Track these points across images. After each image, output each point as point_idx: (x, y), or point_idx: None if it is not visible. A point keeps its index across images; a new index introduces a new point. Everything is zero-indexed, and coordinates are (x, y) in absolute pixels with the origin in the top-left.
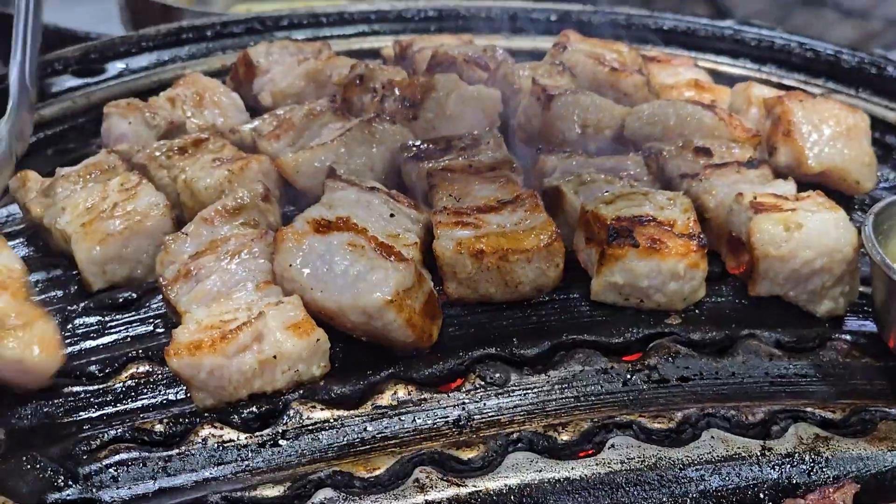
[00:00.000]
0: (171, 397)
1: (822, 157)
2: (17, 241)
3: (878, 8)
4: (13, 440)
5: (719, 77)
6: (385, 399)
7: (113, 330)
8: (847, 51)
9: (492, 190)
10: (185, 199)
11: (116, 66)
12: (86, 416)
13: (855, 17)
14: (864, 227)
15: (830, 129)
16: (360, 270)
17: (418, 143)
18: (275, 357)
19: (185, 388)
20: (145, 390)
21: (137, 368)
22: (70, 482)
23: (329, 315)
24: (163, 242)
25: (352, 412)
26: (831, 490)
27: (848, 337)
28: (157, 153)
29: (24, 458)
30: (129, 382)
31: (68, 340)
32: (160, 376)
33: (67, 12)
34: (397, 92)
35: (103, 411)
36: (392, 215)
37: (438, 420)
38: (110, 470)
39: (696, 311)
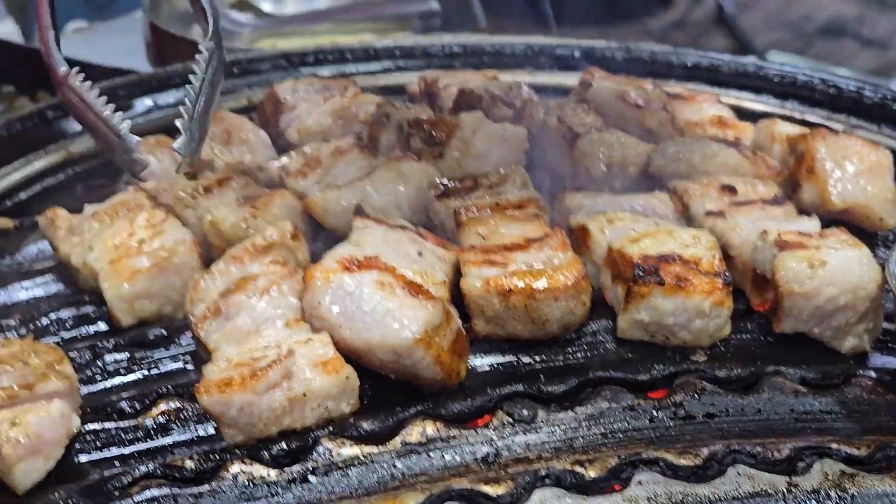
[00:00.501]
0: (202, 433)
1: (846, 194)
2: (47, 277)
3: None
4: (45, 476)
5: (742, 113)
6: (414, 436)
7: (143, 367)
8: (869, 87)
9: (519, 228)
10: (211, 238)
11: (145, 103)
12: (117, 452)
13: (875, 47)
14: (888, 264)
15: (854, 166)
16: (389, 309)
17: (445, 181)
18: (304, 395)
19: (215, 424)
20: (175, 427)
21: (168, 405)
22: None
23: (358, 353)
24: (192, 279)
25: (381, 448)
26: None
27: (872, 374)
28: (182, 193)
29: (56, 495)
30: (160, 419)
31: (98, 377)
32: (190, 413)
33: (92, 47)
34: (423, 130)
35: (134, 448)
36: (420, 254)
37: (467, 456)
38: None
39: (722, 347)
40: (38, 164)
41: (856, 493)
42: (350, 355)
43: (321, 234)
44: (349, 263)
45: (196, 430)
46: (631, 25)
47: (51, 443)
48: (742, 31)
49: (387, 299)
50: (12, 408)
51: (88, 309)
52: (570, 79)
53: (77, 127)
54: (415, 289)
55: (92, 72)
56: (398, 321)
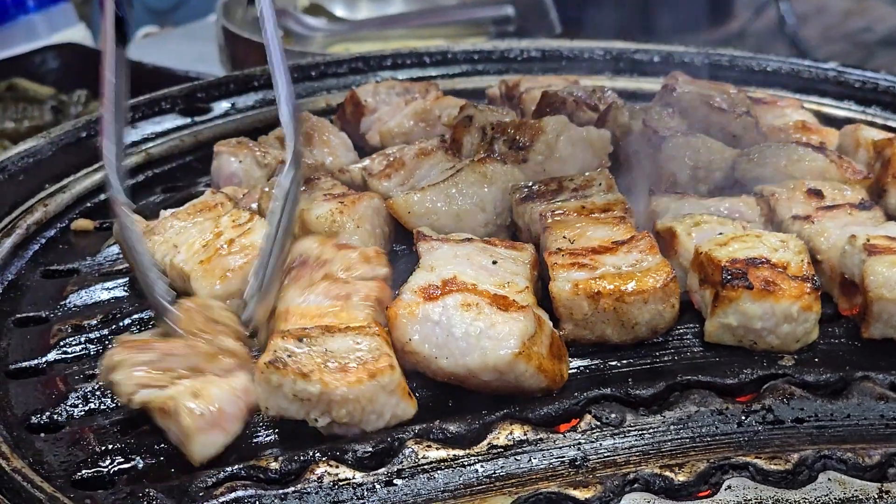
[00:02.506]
0: (287, 433)
1: None
2: (122, 280)
3: None
4: (132, 476)
5: (824, 118)
6: (501, 439)
7: None
8: None
9: (606, 231)
10: (295, 229)
11: (222, 106)
12: None
13: None
14: None
15: None
16: (481, 328)
17: (530, 184)
18: None
19: (301, 424)
20: (261, 428)
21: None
22: None
23: (459, 379)
24: None
25: (467, 452)
26: None
27: None
28: (268, 189)
29: (141, 495)
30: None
31: None
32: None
33: (163, 52)
34: (507, 133)
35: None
36: (495, 262)
37: (554, 460)
38: None
39: (810, 352)
40: None
41: None
42: (451, 381)
43: (403, 236)
44: (429, 292)
45: (282, 431)
46: (690, 37)
47: (233, 416)
48: (803, 42)
49: (476, 320)
50: (196, 378)
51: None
52: (649, 84)
53: (157, 128)
54: (501, 302)
55: (166, 76)
56: (493, 340)
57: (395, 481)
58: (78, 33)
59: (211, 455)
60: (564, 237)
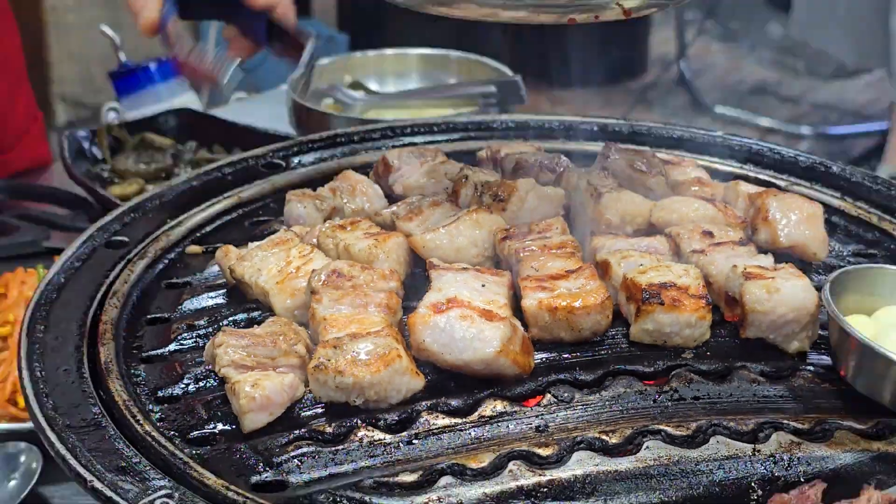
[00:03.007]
0: (337, 407)
1: (791, 236)
2: (222, 291)
3: (806, 96)
4: (228, 436)
5: (714, 173)
6: (488, 411)
7: None
8: (804, 155)
9: (561, 262)
10: (343, 258)
11: (292, 161)
12: (276, 421)
13: (789, 103)
14: (824, 290)
15: (796, 215)
16: (474, 333)
17: (508, 228)
18: None
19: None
20: (318, 404)
21: None
22: (266, 468)
23: (458, 369)
24: None
25: (464, 420)
26: (807, 488)
27: (811, 368)
28: (324, 229)
29: (234, 449)
30: (309, 396)
31: None
32: None
33: (249, 114)
34: (492, 189)
35: (289, 418)
36: (483, 285)
37: (524, 427)
38: (294, 460)
39: (704, 348)
40: (218, 206)
41: (801, 456)
42: (453, 370)
43: (420, 263)
44: (437, 307)
45: (332, 406)
46: (616, 86)
47: (277, 404)
48: (697, 90)
49: (471, 327)
50: (262, 370)
51: (256, 313)
52: (591, 146)
53: (249, 179)
54: (487, 314)
55: (251, 132)
56: (482, 341)
57: (413, 441)
58: (189, 99)
59: (257, 427)
60: (532, 267)
